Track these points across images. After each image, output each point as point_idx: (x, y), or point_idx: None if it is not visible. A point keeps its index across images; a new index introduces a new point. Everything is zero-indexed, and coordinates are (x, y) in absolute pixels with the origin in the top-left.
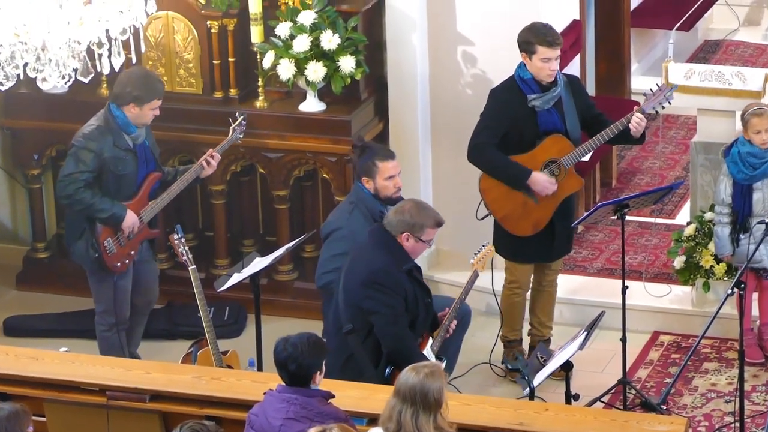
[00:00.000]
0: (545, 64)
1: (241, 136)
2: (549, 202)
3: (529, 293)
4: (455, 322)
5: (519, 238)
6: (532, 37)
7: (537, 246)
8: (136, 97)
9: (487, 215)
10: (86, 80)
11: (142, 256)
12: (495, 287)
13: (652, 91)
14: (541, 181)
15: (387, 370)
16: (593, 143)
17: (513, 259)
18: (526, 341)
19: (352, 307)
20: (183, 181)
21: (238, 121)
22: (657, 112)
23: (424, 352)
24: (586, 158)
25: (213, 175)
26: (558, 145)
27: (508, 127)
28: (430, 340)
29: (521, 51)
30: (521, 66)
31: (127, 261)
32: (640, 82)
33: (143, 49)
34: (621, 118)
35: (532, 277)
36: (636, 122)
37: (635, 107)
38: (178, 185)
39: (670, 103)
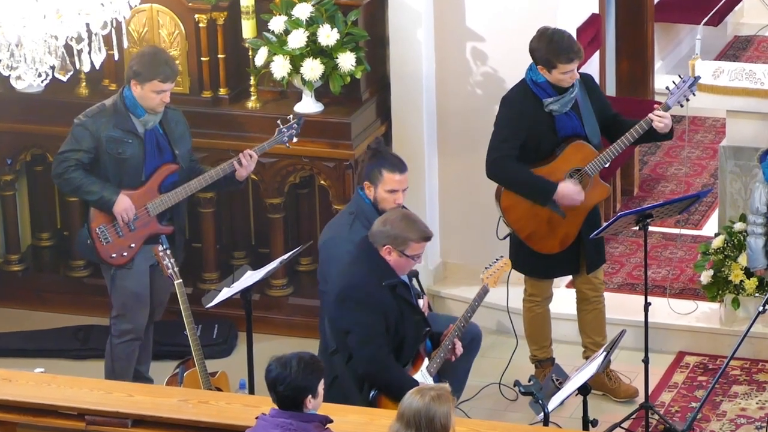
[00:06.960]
0: (566, 75)
1: (288, 140)
2: (576, 215)
3: (576, 312)
4: (460, 343)
5: (539, 253)
6: (552, 56)
7: (560, 260)
8: (136, 73)
9: (508, 235)
10: (64, 78)
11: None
12: (510, 305)
13: (675, 83)
14: (569, 192)
15: (371, 393)
16: (618, 147)
17: (535, 275)
18: (580, 362)
19: (332, 326)
20: (206, 179)
21: (289, 123)
22: (682, 106)
23: (418, 374)
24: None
25: None
26: (581, 153)
27: (526, 136)
28: (426, 361)
29: (538, 64)
30: (532, 69)
31: (125, 254)
32: (665, 81)
33: (126, 44)
34: (645, 117)
35: (576, 295)
36: (658, 118)
37: (655, 105)
38: (198, 182)
39: (694, 94)
